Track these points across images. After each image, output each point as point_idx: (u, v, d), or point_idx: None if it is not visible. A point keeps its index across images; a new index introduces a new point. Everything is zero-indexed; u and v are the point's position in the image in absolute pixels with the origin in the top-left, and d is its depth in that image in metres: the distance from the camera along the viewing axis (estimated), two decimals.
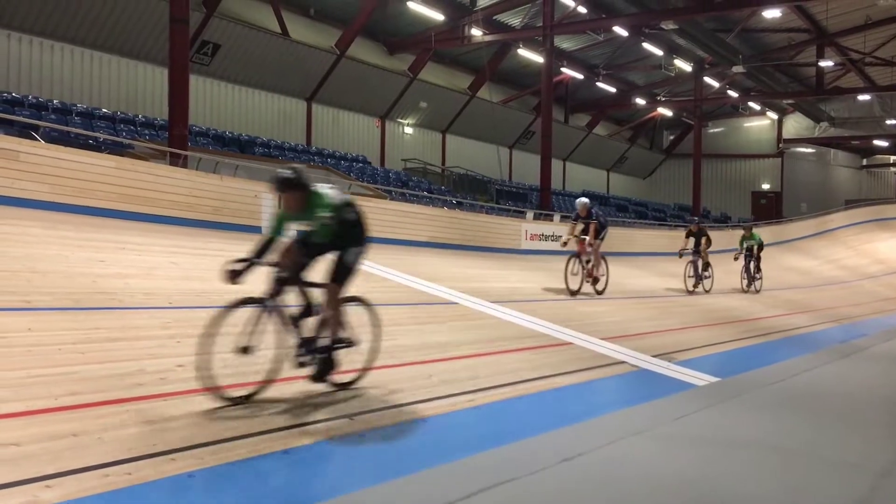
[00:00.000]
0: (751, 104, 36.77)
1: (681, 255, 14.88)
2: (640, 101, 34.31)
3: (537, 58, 25.70)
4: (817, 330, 12.50)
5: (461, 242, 15.14)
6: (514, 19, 26.64)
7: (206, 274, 7.78)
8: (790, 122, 39.72)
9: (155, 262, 7.77)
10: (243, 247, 9.70)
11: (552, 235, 17.76)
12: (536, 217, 20.35)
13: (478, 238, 15.79)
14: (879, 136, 36.63)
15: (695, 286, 14.69)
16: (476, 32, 24.53)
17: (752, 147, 40.56)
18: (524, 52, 26.87)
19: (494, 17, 25.45)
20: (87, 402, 4.08)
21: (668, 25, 23.67)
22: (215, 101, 21.59)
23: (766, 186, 40.54)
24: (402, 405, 4.87)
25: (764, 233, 29.85)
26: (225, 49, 20.94)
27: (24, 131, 12.17)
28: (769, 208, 39.18)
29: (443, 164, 28.85)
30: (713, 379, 6.74)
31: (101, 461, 3.42)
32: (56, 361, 4.55)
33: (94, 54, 18.82)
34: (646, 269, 17.43)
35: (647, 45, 27.32)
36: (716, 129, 40.25)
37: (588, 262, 11.81)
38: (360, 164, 23.13)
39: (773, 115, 39.41)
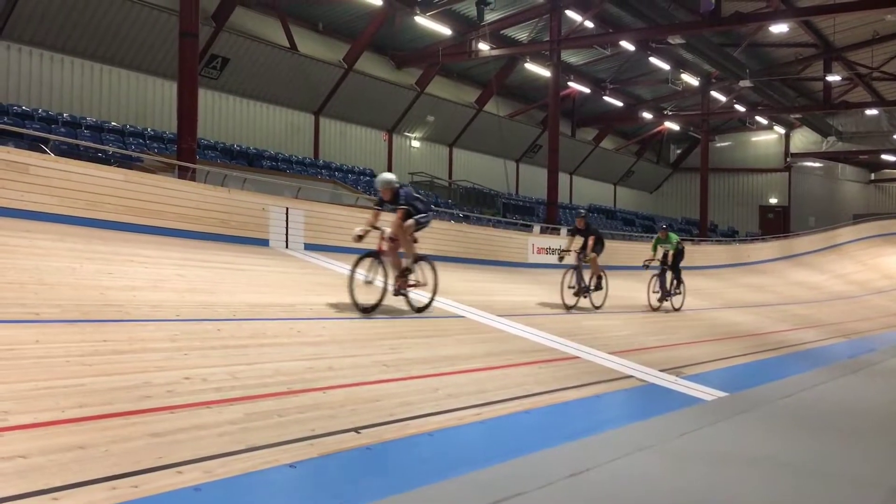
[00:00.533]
0: (758, 118, 36.76)
1: (561, 259, 11.62)
2: (647, 115, 34.37)
3: (544, 72, 25.81)
4: (826, 345, 12.42)
5: (468, 256, 15.13)
6: (521, 34, 26.76)
7: (213, 286, 7.82)
8: (798, 136, 39.69)
9: (163, 274, 7.80)
10: (250, 259, 9.78)
11: (559, 249, 17.68)
12: (543, 231, 20.37)
13: (484, 252, 15.78)
14: (887, 151, 36.57)
15: (575, 301, 11.23)
16: (483, 47, 24.62)
17: (760, 161, 40.53)
18: (531, 67, 26.97)
19: (501, 32, 25.55)
20: (95, 414, 4.08)
21: (675, 40, 23.70)
22: (224, 115, 21.73)
23: (773, 201, 40.47)
24: (408, 419, 4.85)
25: (772, 247, 30.02)
26: (234, 63, 21.10)
27: (34, 144, 12.27)
28: (777, 223, 39.11)
29: (450, 177, 28.91)
30: (721, 394, 6.71)
31: (108, 474, 3.41)
32: (63, 373, 4.55)
33: (104, 68, 18.98)
34: None
35: (653, 60, 27.36)
36: (723, 144, 40.24)
37: (394, 264, 8.26)
38: (368, 178, 23.18)
39: (780, 130, 39.40)
